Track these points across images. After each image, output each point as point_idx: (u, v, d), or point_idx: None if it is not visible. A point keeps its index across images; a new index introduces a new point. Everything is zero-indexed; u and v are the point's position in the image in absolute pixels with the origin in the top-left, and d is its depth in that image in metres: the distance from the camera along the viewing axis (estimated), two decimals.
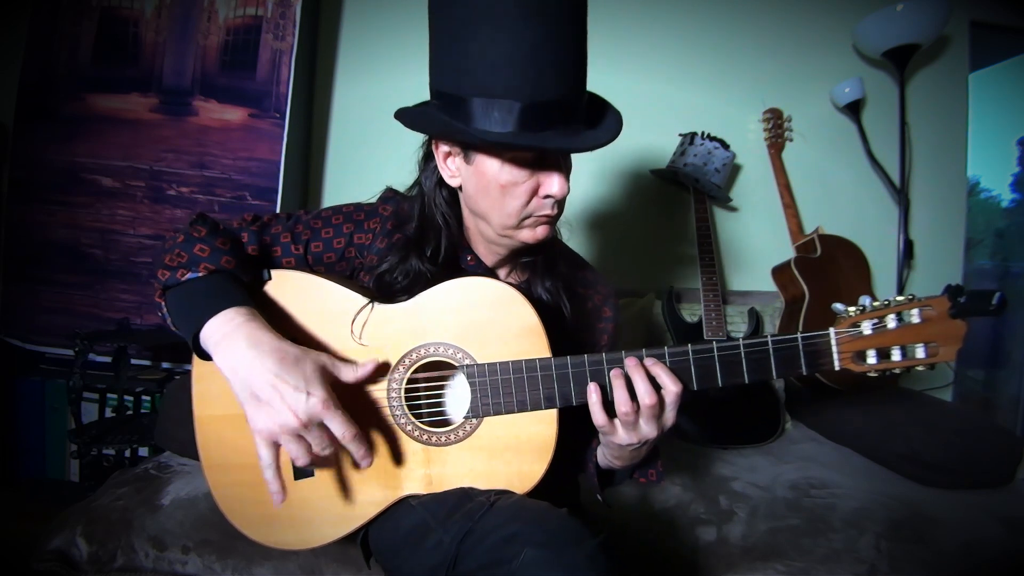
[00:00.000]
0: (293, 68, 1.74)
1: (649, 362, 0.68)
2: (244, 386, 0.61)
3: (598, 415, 0.69)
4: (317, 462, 0.64)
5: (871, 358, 0.66)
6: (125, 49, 1.74)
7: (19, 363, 1.79)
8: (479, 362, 0.72)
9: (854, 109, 1.89)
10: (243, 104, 1.74)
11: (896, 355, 0.65)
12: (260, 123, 1.75)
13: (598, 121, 0.72)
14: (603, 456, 0.80)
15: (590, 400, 0.69)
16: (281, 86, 1.74)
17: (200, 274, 0.68)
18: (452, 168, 0.75)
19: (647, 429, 0.69)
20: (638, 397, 0.67)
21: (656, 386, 0.67)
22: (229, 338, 0.63)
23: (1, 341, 1.77)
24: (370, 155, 1.93)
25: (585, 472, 0.86)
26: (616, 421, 0.70)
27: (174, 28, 1.75)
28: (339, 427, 0.62)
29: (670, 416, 0.69)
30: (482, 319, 0.72)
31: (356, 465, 0.67)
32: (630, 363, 0.68)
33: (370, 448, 0.69)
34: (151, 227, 1.74)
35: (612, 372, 0.69)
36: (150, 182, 1.74)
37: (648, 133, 1.86)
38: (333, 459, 0.66)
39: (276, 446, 0.62)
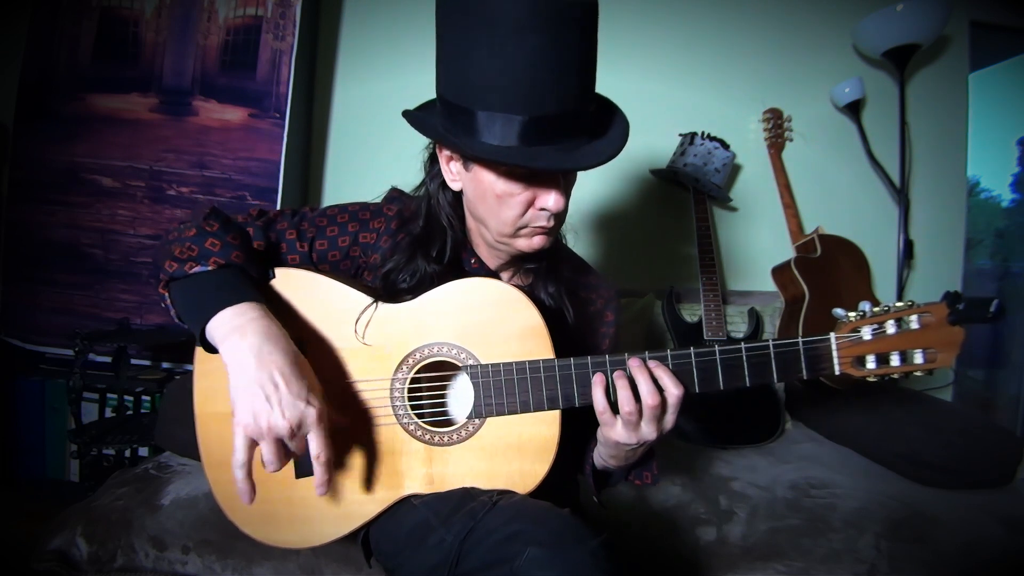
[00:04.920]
0: (293, 68, 1.74)
1: (652, 364, 0.69)
2: (245, 378, 0.60)
3: (600, 400, 0.69)
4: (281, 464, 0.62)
5: (870, 363, 0.66)
6: (125, 49, 1.74)
7: (19, 363, 1.79)
8: (483, 363, 0.72)
9: (854, 109, 1.89)
10: (243, 104, 1.74)
11: (895, 360, 0.66)
12: (260, 123, 1.74)
13: (604, 130, 0.72)
14: (599, 457, 0.80)
15: (594, 386, 0.69)
16: (281, 86, 1.74)
17: (209, 268, 0.68)
18: (454, 172, 0.76)
19: (647, 430, 0.69)
20: (641, 397, 0.67)
21: (659, 388, 0.67)
22: (240, 331, 0.63)
23: (1, 341, 1.77)
24: (370, 155, 1.94)
25: (582, 473, 0.86)
26: (618, 417, 0.70)
27: (174, 28, 1.75)
28: (318, 446, 0.62)
29: (670, 419, 0.69)
30: (486, 320, 0.72)
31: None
32: (634, 364, 0.68)
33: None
34: (151, 227, 1.74)
35: (615, 373, 0.69)
36: (150, 182, 1.74)
37: (648, 133, 1.85)
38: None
39: (253, 445, 0.61)
